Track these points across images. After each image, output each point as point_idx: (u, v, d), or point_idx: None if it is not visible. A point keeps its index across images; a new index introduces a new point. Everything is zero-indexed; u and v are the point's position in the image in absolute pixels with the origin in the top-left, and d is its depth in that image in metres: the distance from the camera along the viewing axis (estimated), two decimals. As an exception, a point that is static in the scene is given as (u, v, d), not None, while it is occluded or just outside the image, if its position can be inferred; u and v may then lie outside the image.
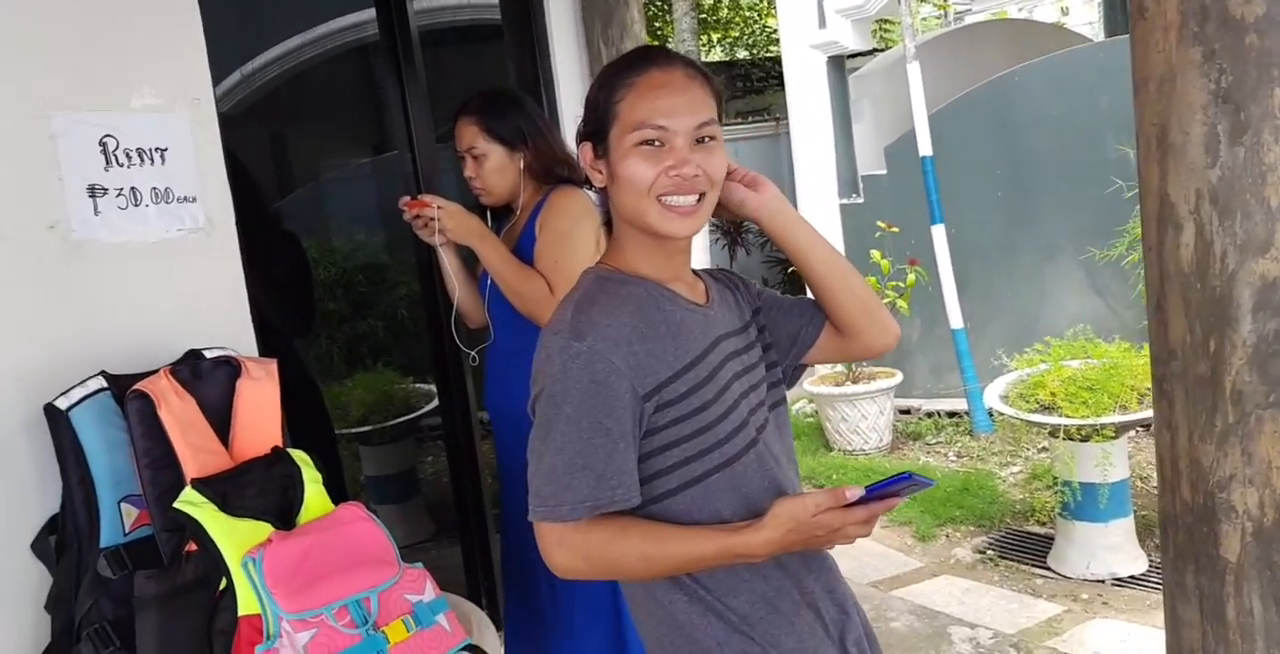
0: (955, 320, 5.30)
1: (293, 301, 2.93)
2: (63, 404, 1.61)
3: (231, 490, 1.62)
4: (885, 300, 4.99)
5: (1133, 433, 4.34)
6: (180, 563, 1.59)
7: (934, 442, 5.39)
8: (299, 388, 2.49)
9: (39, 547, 1.65)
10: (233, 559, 1.56)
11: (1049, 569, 3.74)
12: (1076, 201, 5.25)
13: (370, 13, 2.84)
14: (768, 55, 12.17)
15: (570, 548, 1.20)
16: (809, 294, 1.48)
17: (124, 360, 1.73)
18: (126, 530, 1.63)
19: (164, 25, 1.90)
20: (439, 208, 2.26)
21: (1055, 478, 3.70)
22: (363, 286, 4.39)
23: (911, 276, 5.28)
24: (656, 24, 11.88)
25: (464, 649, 1.71)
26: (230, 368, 1.77)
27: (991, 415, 5.09)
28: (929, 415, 5.70)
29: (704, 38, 13.00)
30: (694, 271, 1.41)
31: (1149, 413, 3.39)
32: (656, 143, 1.25)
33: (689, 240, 1.34)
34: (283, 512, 1.68)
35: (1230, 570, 1.50)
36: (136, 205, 1.83)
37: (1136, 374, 3.53)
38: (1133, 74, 1.51)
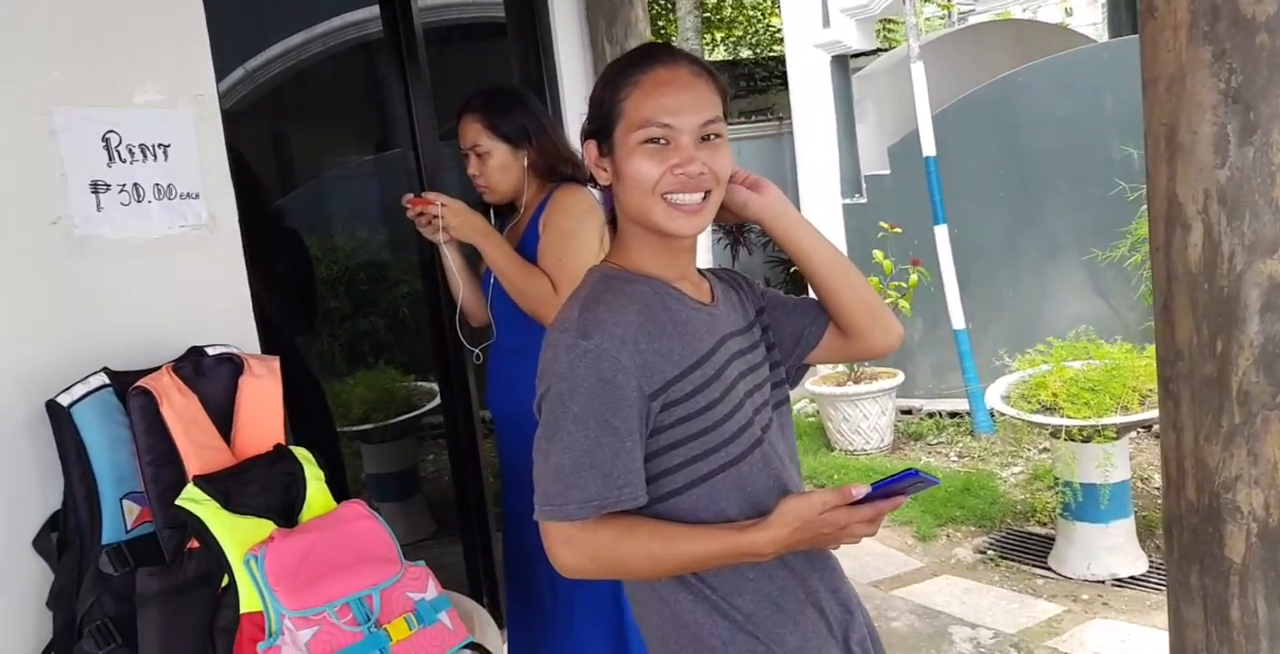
0: (957, 321, 5.30)
1: (295, 299, 2.93)
2: (65, 401, 1.61)
3: (234, 488, 1.62)
4: (887, 300, 4.98)
5: (1134, 434, 4.34)
6: (182, 560, 1.59)
7: (935, 442, 5.39)
8: (301, 385, 2.49)
9: (41, 544, 1.65)
10: (235, 556, 1.55)
11: (1049, 569, 3.74)
12: (1079, 202, 5.25)
13: (374, 9, 2.84)
14: (771, 55, 12.18)
15: (577, 547, 1.19)
16: (811, 294, 1.47)
17: (126, 357, 1.72)
18: (128, 527, 1.63)
19: (167, 21, 1.89)
20: (443, 205, 2.25)
21: (1056, 478, 3.70)
22: (365, 284, 4.38)
23: (914, 277, 5.28)
24: (660, 23, 11.88)
25: (466, 647, 1.71)
26: (233, 365, 1.76)
27: (993, 416, 5.08)
28: (930, 416, 5.69)
29: (708, 37, 12.99)
30: (699, 271, 1.40)
31: (1151, 414, 3.40)
32: (662, 141, 1.25)
33: (694, 239, 1.34)
34: (285, 509, 1.68)
35: (1235, 571, 1.50)
36: (139, 201, 1.82)
37: (1138, 375, 3.53)
38: (1142, 73, 1.51)
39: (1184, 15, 1.40)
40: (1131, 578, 3.57)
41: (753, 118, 9.56)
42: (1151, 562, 3.64)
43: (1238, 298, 1.42)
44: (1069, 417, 3.45)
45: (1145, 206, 4.08)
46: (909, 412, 5.79)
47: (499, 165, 2.30)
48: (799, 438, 5.39)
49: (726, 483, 1.26)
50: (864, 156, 6.38)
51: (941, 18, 13.18)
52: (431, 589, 1.71)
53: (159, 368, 1.68)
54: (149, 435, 1.61)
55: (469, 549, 3.05)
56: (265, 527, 1.61)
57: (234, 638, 1.54)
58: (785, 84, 6.92)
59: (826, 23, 6.21)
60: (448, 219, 2.25)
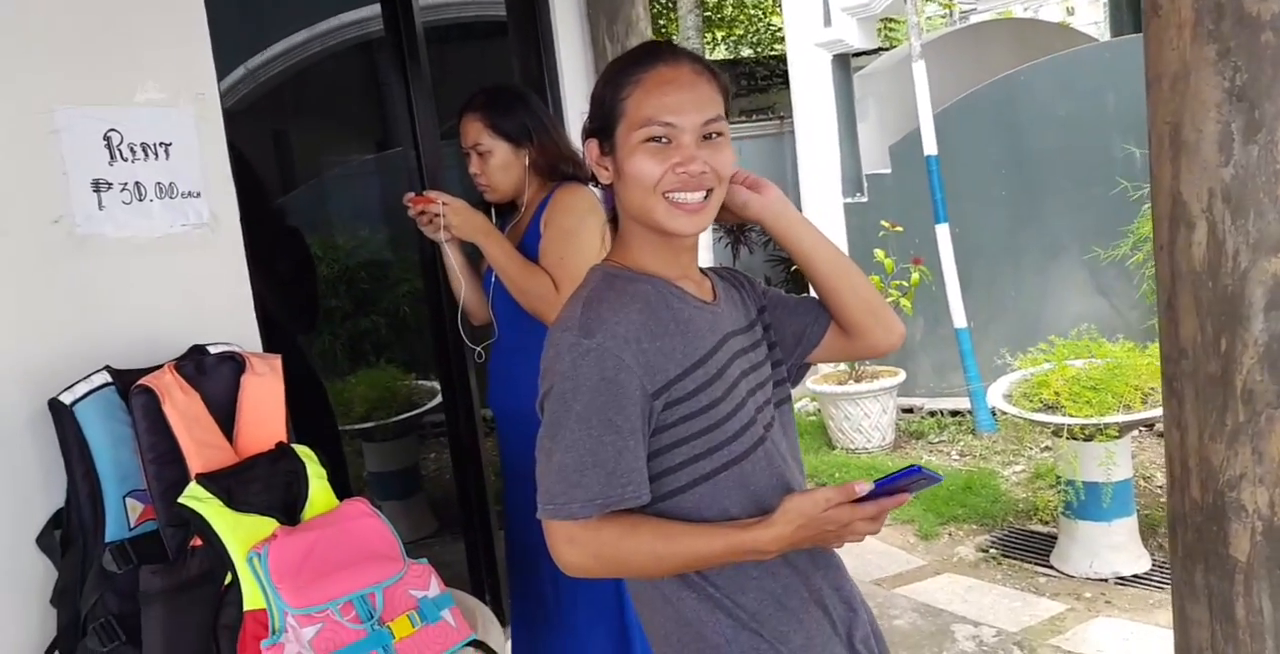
0: (959, 319, 5.29)
1: (297, 297, 2.93)
2: (67, 399, 1.60)
3: (236, 486, 1.62)
4: (889, 299, 4.98)
5: (1136, 432, 4.34)
6: (185, 558, 1.59)
7: (937, 440, 5.39)
8: (303, 384, 2.48)
9: (44, 541, 1.64)
10: (238, 554, 1.55)
11: (1052, 568, 3.74)
12: (1081, 201, 5.24)
13: (375, 8, 2.84)
14: (772, 53, 12.17)
15: (580, 546, 1.19)
16: (812, 293, 1.47)
17: (128, 356, 1.72)
18: (131, 525, 1.62)
19: (168, 19, 1.89)
20: (444, 204, 2.25)
21: (1058, 477, 3.70)
22: (365, 283, 4.38)
23: (915, 276, 5.27)
24: (661, 21, 11.87)
25: (469, 645, 1.71)
26: (235, 363, 1.76)
27: (995, 414, 5.08)
28: (932, 414, 5.69)
29: (708, 35, 12.99)
30: (700, 269, 1.40)
31: (1153, 412, 3.40)
32: (663, 139, 1.24)
33: (696, 238, 1.34)
34: (287, 507, 1.68)
35: (1240, 569, 1.50)
36: (141, 200, 1.82)
37: (1140, 374, 3.53)
38: (1145, 71, 1.50)
39: (1188, 13, 1.39)
40: (1134, 576, 3.57)
41: (754, 117, 9.56)
42: (1154, 560, 3.64)
43: (1242, 296, 1.42)
44: (1071, 415, 3.45)
45: (1147, 205, 4.09)
46: (910, 410, 5.78)
47: (500, 164, 2.30)
48: (799, 436, 5.39)
49: (729, 481, 1.25)
50: (865, 155, 6.37)
51: (943, 16, 13.16)
52: (434, 587, 1.71)
53: (161, 366, 1.68)
54: (151, 433, 1.61)
55: (471, 547, 3.05)
56: (268, 525, 1.61)
57: (237, 635, 1.54)
58: (786, 83, 6.91)
59: (828, 21, 6.20)
60: (449, 218, 2.25)
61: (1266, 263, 1.40)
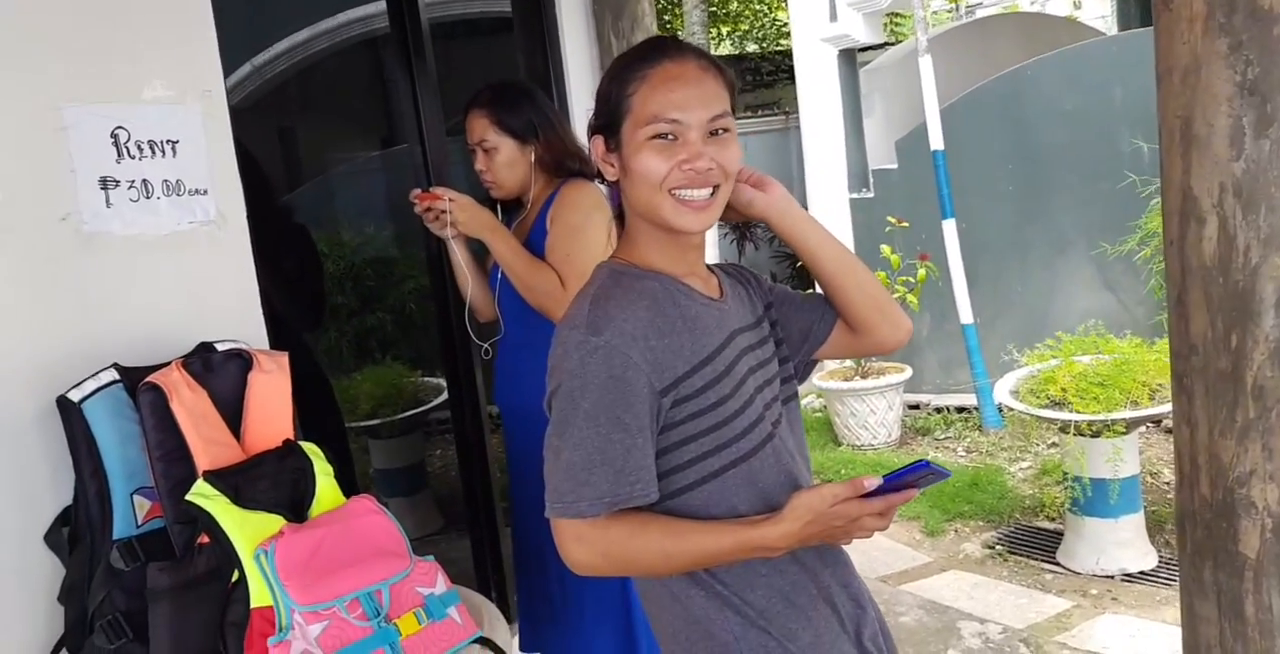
0: (965, 315, 5.28)
1: (303, 295, 2.93)
2: (75, 396, 1.61)
3: (243, 483, 1.62)
4: (895, 295, 4.97)
5: (1143, 429, 4.32)
6: (193, 555, 1.59)
7: (943, 437, 5.38)
8: (309, 381, 2.48)
9: (52, 539, 1.65)
10: (245, 551, 1.55)
11: (1058, 564, 3.73)
12: (1088, 196, 5.23)
13: (381, 5, 2.83)
14: (777, 49, 12.15)
15: (589, 544, 1.19)
16: (819, 290, 1.47)
17: (136, 353, 1.72)
18: (139, 522, 1.63)
19: (175, 17, 1.89)
20: (450, 200, 2.25)
21: (1065, 473, 3.69)
22: (371, 280, 4.38)
23: (922, 272, 5.26)
24: (666, 17, 11.86)
25: (475, 642, 1.71)
26: (242, 361, 1.76)
27: (1001, 411, 5.08)
28: (938, 411, 5.68)
29: (714, 31, 12.97)
30: (707, 266, 1.40)
31: (1160, 409, 3.39)
32: (670, 136, 1.24)
33: (703, 235, 1.33)
34: (294, 504, 1.68)
35: (1249, 566, 1.49)
36: (148, 198, 1.82)
37: (1148, 370, 3.52)
38: (1156, 65, 1.50)
39: (1200, 7, 1.38)
40: (1141, 573, 3.57)
41: (759, 112, 9.55)
42: (1161, 557, 3.63)
43: (1253, 292, 1.41)
44: (1078, 411, 3.44)
45: (1155, 200, 4.07)
46: (916, 407, 5.77)
47: (506, 160, 2.29)
48: (806, 433, 5.39)
49: (737, 478, 1.25)
50: (871, 151, 6.36)
51: (949, 11, 13.14)
52: (440, 584, 1.71)
53: (168, 364, 1.68)
54: (159, 431, 1.61)
55: (476, 544, 3.05)
56: (275, 522, 1.61)
57: (244, 632, 1.54)
58: (792, 78, 6.91)
59: (833, 16, 6.18)
60: (455, 214, 2.25)
61: (1277, 258, 1.39)
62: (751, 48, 13.78)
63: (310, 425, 1.91)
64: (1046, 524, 4.13)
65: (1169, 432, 4.69)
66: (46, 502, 1.65)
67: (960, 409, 5.61)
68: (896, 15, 11.26)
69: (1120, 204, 4.82)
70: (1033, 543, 3.97)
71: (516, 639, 2.49)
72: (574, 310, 1.24)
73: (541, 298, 2.19)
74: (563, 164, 2.31)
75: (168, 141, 1.85)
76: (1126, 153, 4.94)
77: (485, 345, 2.44)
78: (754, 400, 1.29)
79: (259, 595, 1.54)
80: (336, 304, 4.21)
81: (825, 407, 5.67)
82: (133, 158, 1.79)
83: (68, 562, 1.64)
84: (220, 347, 1.77)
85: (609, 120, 1.29)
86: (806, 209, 6.42)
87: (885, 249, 5.32)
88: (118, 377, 1.65)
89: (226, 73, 1.99)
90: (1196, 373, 1.51)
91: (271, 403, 1.76)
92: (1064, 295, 5.43)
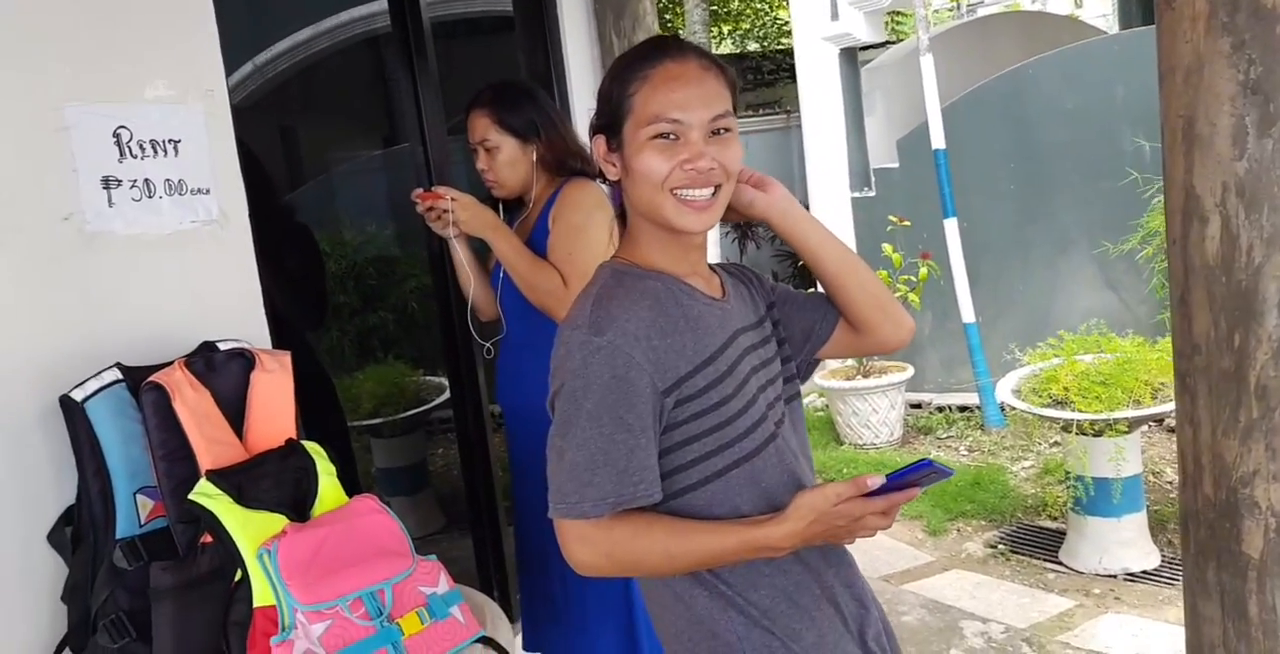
0: (967, 314, 5.28)
1: (305, 294, 2.93)
2: (78, 396, 1.60)
3: (246, 482, 1.62)
4: (897, 294, 4.97)
5: (1146, 428, 4.32)
6: (195, 554, 1.59)
7: (945, 436, 5.38)
8: (311, 380, 2.48)
9: (55, 538, 1.65)
10: (248, 551, 1.55)
11: (1061, 564, 3.73)
12: (1090, 195, 5.23)
13: (382, 4, 2.83)
14: (779, 47, 12.15)
15: (592, 545, 1.19)
16: (820, 289, 1.47)
17: (138, 352, 1.72)
18: (142, 522, 1.62)
19: (177, 16, 1.88)
20: (452, 200, 2.25)
21: (1067, 472, 3.69)
22: (373, 279, 4.37)
23: (923, 270, 5.26)
24: (667, 16, 11.85)
25: (477, 641, 1.71)
26: (244, 360, 1.76)
27: (1003, 410, 5.07)
28: (940, 410, 5.68)
29: (715, 30, 12.96)
30: (709, 266, 1.40)
31: (1162, 408, 3.39)
32: (671, 136, 1.24)
33: (705, 235, 1.33)
34: (297, 504, 1.68)
35: (1253, 567, 1.49)
36: (150, 197, 1.82)
37: (1150, 369, 3.52)
38: (1159, 64, 1.49)
39: (1203, 6, 1.38)
40: (1143, 572, 3.57)
41: (760, 111, 9.55)
42: (1164, 556, 3.63)
43: (1256, 291, 1.41)
44: (1080, 410, 3.44)
45: (1157, 199, 4.06)
46: (918, 405, 5.78)
47: (508, 160, 2.29)
48: (808, 432, 5.39)
49: (740, 478, 1.25)
50: (873, 150, 6.36)
51: (950, 10, 13.13)
52: (443, 583, 1.71)
53: (171, 363, 1.68)
54: (162, 430, 1.61)
55: (479, 543, 3.05)
56: (278, 521, 1.61)
57: (247, 632, 1.54)
58: (793, 77, 6.90)
59: (835, 15, 6.18)
60: (458, 214, 2.25)
61: (1280, 258, 1.39)
62: (753, 46, 13.77)
63: (312, 424, 1.91)
64: (1049, 523, 4.13)
65: (1171, 431, 4.69)
66: (49, 501, 1.65)
67: (962, 408, 5.61)
68: (898, 14, 11.25)
69: (1122, 203, 4.82)
70: (1035, 542, 3.97)
71: (519, 638, 2.49)
72: (576, 310, 1.24)
73: (544, 297, 2.19)
74: (564, 163, 2.31)
75: (170, 141, 1.85)
76: (1128, 151, 4.93)
77: (487, 345, 2.44)
78: (757, 400, 1.29)
79: (262, 595, 1.54)
80: (338, 303, 4.21)
81: (827, 405, 5.67)
82: (135, 157, 1.79)
83: (71, 561, 1.63)
84: (223, 346, 1.77)
85: (610, 120, 1.29)
86: (808, 208, 6.42)
87: (887, 248, 5.32)
88: (120, 376, 1.65)
89: (228, 72, 1.99)
90: (1200, 372, 1.51)
91: (274, 402, 1.76)
92: (1066, 294, 5.43)
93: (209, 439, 1.63)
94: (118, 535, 1.60)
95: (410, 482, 4.16)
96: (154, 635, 1.55)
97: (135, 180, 1.79)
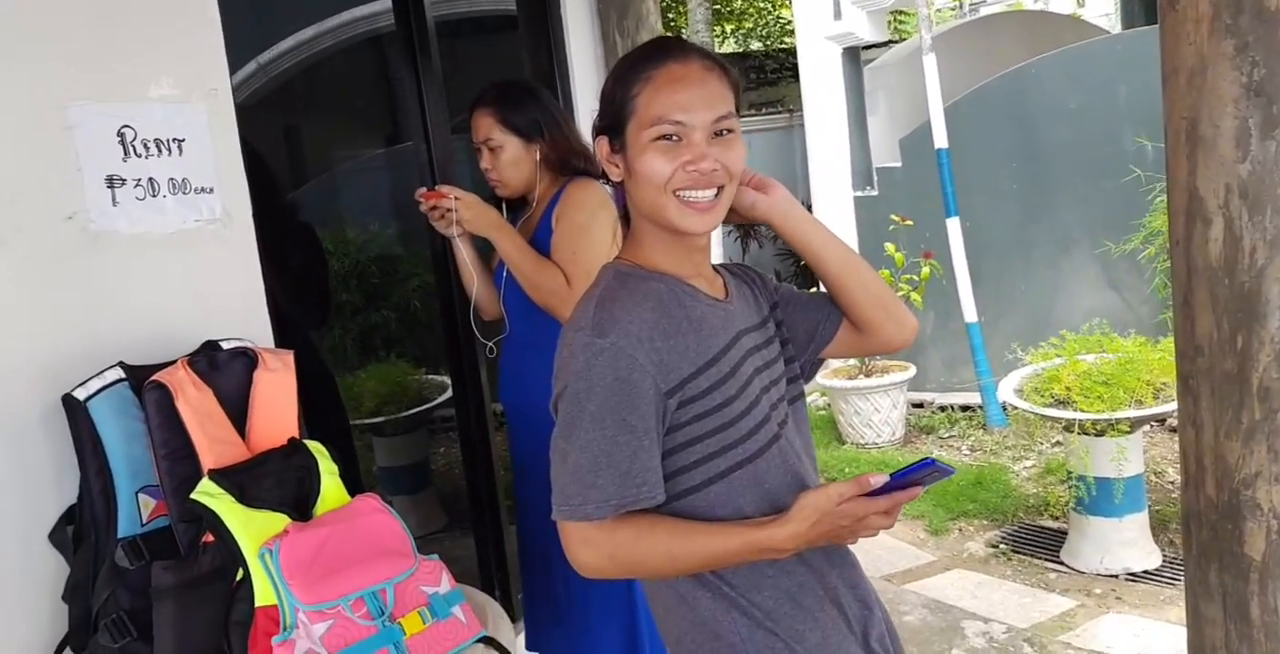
0: (969, 314, 5.28)
1: (309, 293, 2.93)
2: (81, 395, 1.60)
3: (248, 482, 1.62)
4: (899, 294, 4.97)
5: (1148, 428, 4.32)
6: (197, 554, 1.59)
7: (947, 435, 5.38)
8: (314, 379, 2.49)
9: (56, 537, 1.65)
10: (250, 550, 1.55)
11: (1062, 563, 3.73)
12: (1092, 195, 5.22)
13: (386, 3, 2.83)
14: (782, 47, 12.13)
15: (596, 547, 1.19)
16: (823, 288, 1.47)
17: (141, 351, 1.72)
18: (144, 521, 1.62)
19: (181, 15, 1.89)
20: (456, 199, 2.25)
21: (1069, 472, 3.69)
22: (376, 278, 4.37)
23: (926, 270, 5.26)
24: (670, 15, 11.84)
25: (479, 641, 1.71)
26: (247, 359, 1.76)
27: (1005, 409, 5.07)
28: (942, 409, 5.68)
29: (718, 29, 12.95)
30: (713, 267, 1.40)
31: (1165, 408, 3.38)
32: (674, 137, 1.24)
33: (708, 236, 1.33)
34: (299, 503, 1.68)
35: (1255, 568, 1.49)
36: (154, 196, 1.82)
37: (1152, 369, 3.52)
38: (1161, 66, 1.49)
39: (1206, 8, 1.38)
40: (1145, 572, 3.57)
41: (763, 110, 9.53)
42: (1165, 556, 3.63)
43: (1259, 293, 1.41)
44: (1082, 410, 3.44)
45: (1159, 199, 4.05)
46: (920, 405, 5.78)
47: (511, 159, 2.29)
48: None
49: (743, 479, 1.25)
50: (875, 149, 6.35)
51: (953, 9, 13.10)
52: (445, 583, 1.71)
53: (174, 362, 1.68)
54: (164, 429, 1.61)
55: (480, 542, 3.05)
56: (280, 520, 1.61)
57: (249, 631, 1.54)
58: (796, 76, 6.90)
59: (838, 14, 6.18)
60: (461, 213, 2.25)
61: (1283, 260, 1.39)
62: (756, 45, 13.75)
63: (315, 423, 1.91)
64: (1050, 523, 4.13)
65: (1173, 431, 4.68)
66: (51, 500, 1.65)
67: (964, 407, 5.61)
68: (900, 13, 11.24)
69: (1124, 202, 4.82)
70: (1037, 542, 3.97)
71: (521, 638, 2.49)
72: (579, 312, 1.24)
73: (547, 296, 2.19)
74: (568, 163, 2.31)
75: (174, 140, 1.85)
76: (1130, 151, 4.93)
77: (489, 344, 2.44)
78: (760, 401, 1.29)
79: (263, 594, 1.54)
80: (341, 302, 4.21)
81: (829, 405, 5.67)
82: (139, 156, 1.79)
83: (72, 560, 1.64)
84: (226, 345, 1.77)
85: (613, 121, 1.29)
86: (810, 207, 6.41)
87: (889, 247, 5.32)
88: (123, 375, 1.65)
89: (232, 71, 1.99)
90: (1202, 374, 1.51)
91: (277, 401, 1.76)
92: (1068, 294, 5.42)
93: (211, 438, 1.63)
94: (119, 534, 1.60)
95: (412, 480, 4.16)
96: (155, 635, 1.55)
97: (139, 179, 1.79)
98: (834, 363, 5.59)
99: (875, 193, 6.11)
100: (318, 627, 1.52)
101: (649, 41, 1.35)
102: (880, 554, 3.95)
